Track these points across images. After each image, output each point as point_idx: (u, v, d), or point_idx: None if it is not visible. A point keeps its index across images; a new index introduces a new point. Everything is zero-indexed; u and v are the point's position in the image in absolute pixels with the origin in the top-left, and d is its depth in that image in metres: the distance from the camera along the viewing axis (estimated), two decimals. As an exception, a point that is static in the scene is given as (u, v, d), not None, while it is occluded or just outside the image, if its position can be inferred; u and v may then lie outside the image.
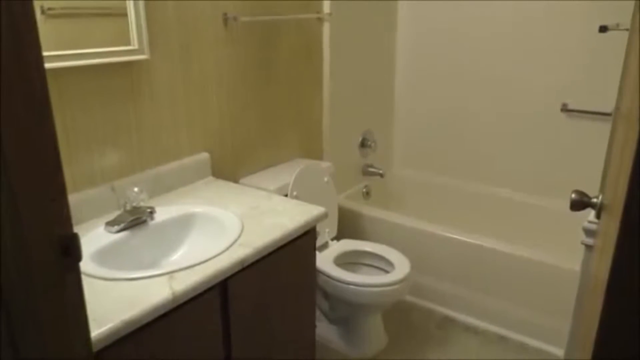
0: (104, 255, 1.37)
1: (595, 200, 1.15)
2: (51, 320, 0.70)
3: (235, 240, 1.46)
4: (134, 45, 1.60)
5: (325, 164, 2.46)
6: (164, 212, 1.61)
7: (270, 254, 1.50)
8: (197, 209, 1.66)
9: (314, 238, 1.73)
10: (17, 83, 0.61)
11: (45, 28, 1.38)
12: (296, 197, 2.11)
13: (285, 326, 1.68)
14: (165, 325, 1.20)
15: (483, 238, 2.38)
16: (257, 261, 1.45)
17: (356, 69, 2.76)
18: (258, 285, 1.51)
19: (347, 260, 2.30)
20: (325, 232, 2.36)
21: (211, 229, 1.58)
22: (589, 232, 1.36)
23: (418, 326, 2.44)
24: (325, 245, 2.35)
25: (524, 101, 2.72)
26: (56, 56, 1.39)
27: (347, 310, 2.22)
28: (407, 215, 2.70)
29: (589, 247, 1.39)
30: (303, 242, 1.65)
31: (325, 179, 2.35)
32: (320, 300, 2.26)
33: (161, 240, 1.56)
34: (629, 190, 0.60)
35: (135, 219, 1.52)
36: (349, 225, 2.70)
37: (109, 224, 1.49)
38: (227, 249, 1.41)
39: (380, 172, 3.00)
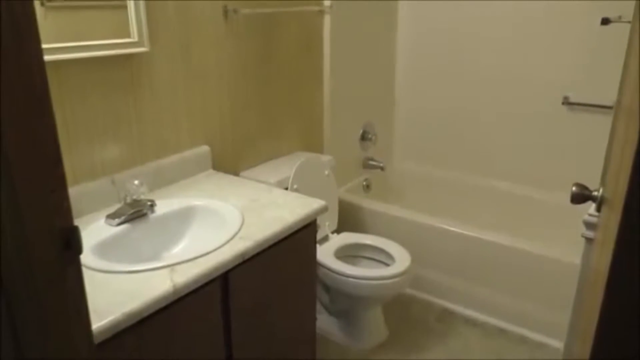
0: (105, 248, 1.38)
1: (595, 193, 1.15)
2: (52, 313, 0.70)
3: (236, 233, 1.46)
4: (134, 38, 1.60)
5: (325, 157, 2.46)
6: (164, 205, 1.61)
7: (270, 247, 1.50)
8: (198, 202, 1.66)
9: (315, 231, 1.73)
10: (17, 75, 0.61)
11: (44, 20, 1.37)
12: (296, 190, 2.11)
13: (285, 319, 1.68)
14: (166, 317, 1.21)
15: (483, 231, 2.38)
16: (258, 254, 1.46)
17: (357, 61, 2.75)
18: (259, 278, 1.51)
19: (347, 253, 2.30)
20: (326, 225, 2.36)
21: (212, 222, 1.58)
22: (589, 225, 1.36)
23: (418, 319, 2.45)
24: (325, 238, 2.36)
25: (525, 94, 2.71)
26: (56, 48, 1.39)
27: (348, 303, 2.23)
28: (408, 209, 2.70)
29: (589, 240, 1.39)
30: (303, 235, 1.66)
31: (326, 172, 2.35)
32: (321, 293, 2.27)
33: (162, 233, 1.56)
34: (630, 183, 0.60)
35: (135, 212, 1.53)
36: (349, 218, 2.70)
37: (110, 216, 1.49)
38: (228, 241, 1.41)
39: (381, 165, 3.00)
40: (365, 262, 2.33)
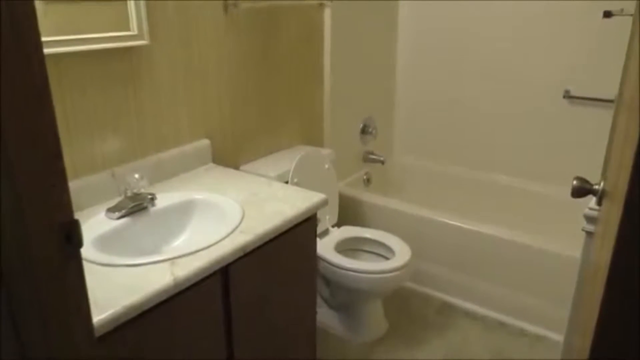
0: (105, 242, 1.38)
1: (596, 187, 1.15)
2: (53, 306, 0.70)
3: (236, 227, 1.46)
4: (134, 31, 1.59)
5: (326, 151, 2.45)
6: (164, 199, 1.61)
7: (271, 240, 1.50)
8: (198, 195, 1.66)
9: (315, 225, 1.73)
10: (16, 69, 0.61)
11: (44, 13, 1.37)
12: (297, 184, 2.10)
13: (286, 312, 1.69)
14: (167, 311, 1.21)
15: (483, 225, 2.39)
16: (258, 248, 1.46)
17: (357, 55, 2.74)
18: (259, 272, 1.51)
19: (347, 247, 2.31)
20: (326, 219, 2.37)
21: (212, 216, 1.58)
22: (589, 219, 1.36)
23: (418, 312, 2.45)
24: (325, 232, 2.36)
25: (526, 88, 2.71)
26: (55, 41, 1.38)
27: (348, 297, 2.23)
28: (408, 202, 2.70)
29: (589, 234, 1.38)
30: (304, 229, 1.66)
31: (326, 166, 2.34)
32: (321, 286, 2.27)
33: (162, 226, 1.56)
34: (632, 177, 0.60)
35: (136, 206, 1.52)
36: (349, 212, 2.70)
37: (110, 210, 1.49)
38: (228, 235, 1.41)
39: (381, 159, 3.00)
40: (365, 256, 2.33)
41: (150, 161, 1.75)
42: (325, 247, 2.17)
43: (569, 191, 1.20)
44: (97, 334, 1.02)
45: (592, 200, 1.33)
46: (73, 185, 1.38)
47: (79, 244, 0.71)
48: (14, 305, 0.66)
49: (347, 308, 2.28)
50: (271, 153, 2.34)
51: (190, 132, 1.91)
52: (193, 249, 1.32)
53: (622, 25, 2.24)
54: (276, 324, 1.65)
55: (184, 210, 1.62)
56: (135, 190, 1.54)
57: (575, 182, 1.18)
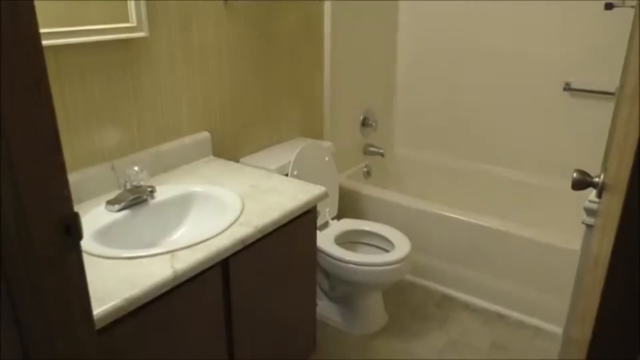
0: (105, 234, 1.38)
1: (596, 179, 1.15)
2: (53, 299, 0.70)
3: (236, 220, 1.46)
4: (133, 23, 1.58)
5: (326, 143, 2.45)
6: (164, 191, 1.61)
7: (271, 233, 1.50)
8: (198, 188, 1.66)
9: (315, 217, 1.73)
10: (15, 61, 0.60)
11: (42, 4, 1.36)
12: (297, 177, 2.10)
13: (286, 304, 1.69)
14: (167, 303, 1.21)
15: (483, 217, 2.39)
16: (258, 240, 1.46)
17: (357, 47, 2.73)
18: (259, 264, 1.51)
19: (347, 240, 2.31)
20: (326, 212, 2.37)
21: (212, 208, 1.58)
22: (589, 212, 1.36)
23: (417, 305, 2.46)
24: (325, 225, 2.36)
25: (527, 80, 2.70)
26: (54, 33, 1.37)
27: (348, 289, 2.24)
28: (408, 195, 2.70)
29: (589, 227, 1.39)
30: (304, 222, 1.66)
31: (326, 159, 2.34)
32: (321, 279, 2.28)
33: (162, 219, 1.56)
34: (633, 167, 0.60)
35: (135, 198, 1.52)
36: (349, 204, 2.70)
37: (110, 203, 1.49)
38: (228, 228, 1.41)
39: (381, 151, 3.00)
40: (365, 249, 2.33)
41: (150, 154, 1.75)
42: (325, 240, 2.18)
43: (569, 184, 1.20)
44: (98, 326, 1.02)
45: (592, 193, 1.33)
46: (73, 177, 1.38)
47: (79, 236, 0.71)
48: (15, 297, 0.66)
49: (346, 300, 2.29)
50: (271, 145, 2.34)
51: (190, 125, 1.90)
52: (193, 241, 1.32)
53: (624, 17, 2.23)
54: (276, 316, 1.65)
55: (184, 203, 1.62)
56: (134, 183, 1.54)
57: (575, 175, 1.18)
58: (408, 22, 3.00)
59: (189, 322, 1.30)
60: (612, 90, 2.39)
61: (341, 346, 2.20)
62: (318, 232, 2.17)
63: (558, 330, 2.19)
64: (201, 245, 1.32)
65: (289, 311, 1.72)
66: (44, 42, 0.66)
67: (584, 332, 0.86)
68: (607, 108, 2.41)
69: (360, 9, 2.68)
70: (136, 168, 1.54)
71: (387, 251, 2.21)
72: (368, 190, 2.70)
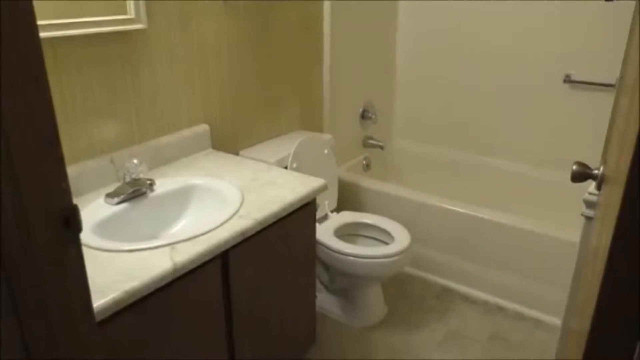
0: (105, 227, 1.38)
1: (596, 171, 1.15)
2: (53, 292, 0.70)
3: (236, 212, 1.46)
4: (131, 15, 1.57)
5: (325, 136, 2.45)
6: (163, 184, 1.61)
7: (270, 225, 1.50)
8: (197, 180, 1.66)
9: (314, 210, 1.73)
10: (12, 53, 0.60)
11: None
12: (296, 169, 2.10)
13: (285, 297, 1.70)
14: (167, 296, 1.22)
15: (482, 210, 2.39)
16: (258, 233, 1.46)
17: (357, 39, 2.72)
18: (259, 257, 1.52)
19: (347, 232, 2.31)
20: (325, 204, 2.37)
21: (211, 201, 1.58)
22: (589, 204, 1.36)
23: (417, 297, 2.47)
24: (325, 217, 2.36)
25: (526, 72, 2.69)
26: (52, 25, 1.37)
27: (347, 282, 2.24)
28: (407, 187, 2.70)
29: (588, 219, 1.39)
30: (303, 214, 1.66)
31: (326, 151, 2.34)
32: (320, 271, 2.28)
33: (161, 212, 1.56)
34: (633, 158, 0.60)
35: (134, 191, 1.52)
36: (349, 197, 2.70)
37: (109, 195, 1.49)
38: (228, 220, 1.41)
39: (381, 144, 2.99)
40: (364, 241, 2.34)
41: (149, 146, 1.74)
42: (324, 232, 2.18)
43: (568, 176, 1.20)
44: (97, 319, 1.02)
45: (591, 185, 1.33)
46: (71, 170, 1.38)
47: (78, 229, 0.71)
48: (14, 291, 0.67)
49: (346, 293, 2.30)
50: (270, 138, 2.33)
51: (189, 117, 1.90)
52: (192, 234, 1.32)
53: (624, 9, 2.22)
54: (276, 308, 1.66)
55: (183, 196, 1.62)
56: (134, 176, 1.54)
57: (575, 167, 1.18)
58: (408, 14, 2.99)
59: (188, 315, 1.31)
60: (612, 82, 2.39)
61: (341, 338, 2.21)
62: (317, 224, 2.17)
63: (557, 322, 2.20)
64: (201, 237, 1.32)
65: (288, 303, 1.72)
66: (42, 34, 0.65)
67: (583, 323, 0.86)
68: (607, 100, 2.40)
69: (360, 1, 2.67)
70: (135, 161, 1.54)
71: (386, 244, 2.21)
72: (367, 182, 2.70)
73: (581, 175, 1.17)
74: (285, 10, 2.23)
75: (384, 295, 2.35)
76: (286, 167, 2.06)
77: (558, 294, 2.05)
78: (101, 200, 1.49)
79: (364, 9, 2.72)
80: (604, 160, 1.17)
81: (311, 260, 1.80)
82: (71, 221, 0.70)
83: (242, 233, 1.39)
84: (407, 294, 2.49)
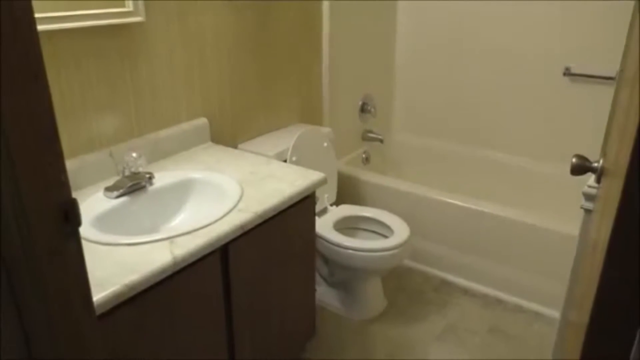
0: (104, 221, 1.38)
1: (596, 164, 1.15)
2: (53, 286, 0.70)
3: (235, 206, 1.46)
4: (129, 7, 1.57)
5: (324, 129, 2.44)
6: (163, 178, 1.61)
7: (270, 219, 1.50)
8: (196, 174, 1.66)
9: (314, 203, 1.73)
10: (10, 46, 0.60)
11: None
12: (295, 163, 2.10)
13: (285, 290, 1.70)
14: (167, 289, 1.22)
15: (482, 203, 2.39)
16: (257, 226, 1.46)
17: (356, 32, 2.71)
18: (258, 250, 1.52)
19: (346, 225, 2.31)
20: (325, 198, 2.37)
21: (210, 195, 1.58)
22: (588, 197, 1.36)
23: (416, 290, 2.47)
24: (324, 211, 2.36)
25: (526, 65, 2.68)
26: (50, 18, 1.36)
27: (347, 275, 2.25)
28: (406, 181, 2.70)
29: (588, 212, 1.39)
30: (302, 207, 1.66)
31: (325, 144, 2.34)
32: (320, 264, 2.29)
33: (160, 205, 1.56)
34: (633, 151, 0.60)
35: (134, 185, 1.52)
36: (348, 190, 2.70)
37: (108, 189, 1.49)
38: (227, 214, 1.41)
39: (380, 137, 2.99)
40: (364, 234, 2.34)
41: (148, 140, 1.74)
42: (324, 226, 2.18)
43: (568, 169, 1.20)
44: (97, 312, 1.02)
45: (591, 178, 1.33)
46: (70, 164, 1.38)
47: (78, 223, 0.71)
48: (15, 284, 0.67)
49: (345, 286, 2.30)
50: (270, 131, 2.33)
51: (188, 111, 1.89)
52: (192, 227, 1.32)
53: (624, 2, 2.22)
54: (275, 301, 1.66)
55: (182, 189, 1.62)
56: (133, 169, 1.53)
57: (574, 160, 1.18)
58: (407, 8, 2.98)
59: (188, 308, 1.31)
60: (612, 75, 2.38)
61: (340, 331, 2.21)
62: (317, 218, 2.18)
63: (556, 314, 2.20)
64: (200, 231, 1.32)
65: (288, 296, 1.72)
66: (40, 27, 0.65)
67: (582, 316, 0.86)
68: (607, 93, 2.39)
69: (360, 2, 2.66)
70: (134, 154, 1.53)
71: (385, 237, 2.21)
72: (367, 176, 2.70)
73: (581, 168, 1.17)
74: (285, 3, 2.22)
75: (383, 288, 2.36)
76: (285, 161, 2.06)
77: (557, 286, 2.06)
78: (100, 194, 1.49)
79: (363, 2, 2.71)
80: (604, 153, 1.17)
81: (311, 254, 1.80)
82: (70, 215, 0.70)
83: (242, 226, 1.39)
84: (407, 287, 2.49)
